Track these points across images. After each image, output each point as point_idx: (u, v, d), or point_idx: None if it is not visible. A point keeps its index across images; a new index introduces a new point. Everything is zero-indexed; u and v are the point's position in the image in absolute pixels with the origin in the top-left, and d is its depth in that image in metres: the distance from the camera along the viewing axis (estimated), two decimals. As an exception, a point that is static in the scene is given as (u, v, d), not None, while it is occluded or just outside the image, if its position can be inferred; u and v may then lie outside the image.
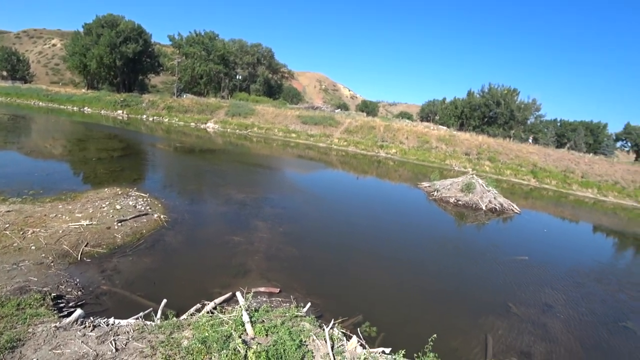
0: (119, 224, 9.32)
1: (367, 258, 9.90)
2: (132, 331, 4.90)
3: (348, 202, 16.33)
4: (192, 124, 43.72)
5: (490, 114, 57.39)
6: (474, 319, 7.48)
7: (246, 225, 10.86)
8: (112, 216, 9.74)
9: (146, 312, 5.77)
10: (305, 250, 9.68)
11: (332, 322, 5.47)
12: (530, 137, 53.35)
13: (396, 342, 5.75)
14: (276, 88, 77.18)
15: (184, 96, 56.40)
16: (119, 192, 12.16)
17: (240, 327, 4.88)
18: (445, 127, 51.79)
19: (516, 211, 19.23)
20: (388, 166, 32.21)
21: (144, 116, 46.51)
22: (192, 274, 7.64)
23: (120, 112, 47.68)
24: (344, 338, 5.22)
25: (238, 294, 6.18)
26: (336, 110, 59.34)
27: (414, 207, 18.09)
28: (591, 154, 45.75)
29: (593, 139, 63.29)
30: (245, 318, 5.01)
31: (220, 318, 5.15)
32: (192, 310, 5.97)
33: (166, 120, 45.23)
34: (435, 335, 5.59)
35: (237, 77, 69.75)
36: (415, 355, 5.28)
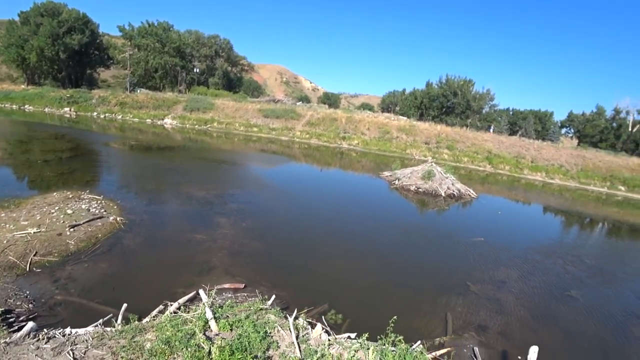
0: (72, 230, 8.83)
1: (332, 249, 10.12)
2: (91, 339, 4.74)
3: (312, 195, 16.51)
4: (147, 120, 41.71)
5: (448, 104, 59.91)
6: (435, 300, 7.94)
7: (208, 223, 10.68)
8: (63, 222, 9.20)
9: (106, 318, 5.59)
10: (269, 244, 9.71)
11: (294, 312, 5.63)
12: (492, 126, 56.29)
13: (362, 327, 5.97)
14: (236, 81, 75.37)
15: (138, 91, 53.51)
16: (70, 196, 11.46)
17: (204, 324, 4.89)
18: (405, 118, 53.34)
19: (473, 196, 20.40)
20: (351, 157, 32.76)
21: (95, 113, 43.62)
22: (154, 275, 7.45)
23: (67, 109, 44.29)
24: (309, 327, 5.38)
25: (201, 291, 6.14)
26: (298, 103, 59.14)
27: (377, 197, 18.62)
28: (540, 140, 49.30)
29: (541, 126, 68.12)
30: (209, 315, 5.02)
31: (183, 317, 5.12)
32: (154, 312, 5.86)
33: (119, 117, 42.75)
34: (395, 317, 5.92)
35: (195, 70, 67.31)
36: (378, 337, 5.57)
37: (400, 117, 54.38)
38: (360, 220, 13.42)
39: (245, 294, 6.87)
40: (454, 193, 19.85)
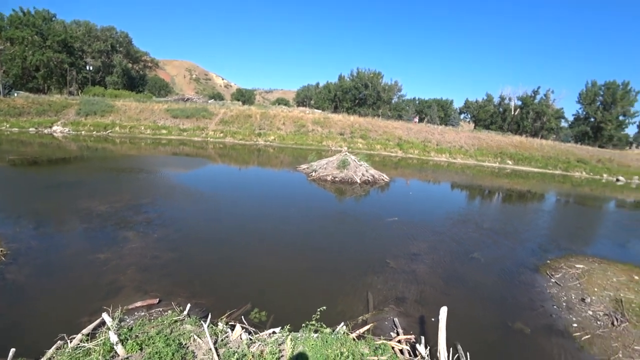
0: None
1: (253, 247, 9.94)
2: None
3: (230, 195, 15.93)
4: (31, 129, 35.67)
5: (360, 95, 63.14)
6: (356, 281, 8.32)
7: (113, 239, 9.58)
8: None
9: (-13, 372, 4.68)
10: (185, 252, 9.11)
11: (209, 317, 5.40)
12: (416, 118, 60.64)
13: (287, 320, 6.02)
14: (139, 79, 68.88)
15: (15, 94, 45.20)
16: None
17: (110, 350, 4.42)
18: (320, 111, 54.83)
19: (386, 180, 21.91)
20: (268, 153, 32.58)
21: (-45, 124, 35.89)
22: (51, 309, 6.37)
23: None
24: (229, 329, 5.23)
25: (104, 315, 5.48)
26: (210, 101, 56.63)
27: (296, 190, 18.79)
28: (443, 126, 55.23)
29: (444, 113, 76.23)
30: (114, 339, 4.54)
31: (85, 348, 4.55)
32: (51, 350, 5.06)
33: (-9, 127, 35.86)
34: (321, 306, 6.12)
35: (88, 68, 59.51)
36: (302, 325, 5.68)
37: (316, 110, 55.75)
38: (280, 215, 13.41)
39: (161, 309, 6.35)
40: (369, 179, 21.10)
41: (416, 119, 59.02)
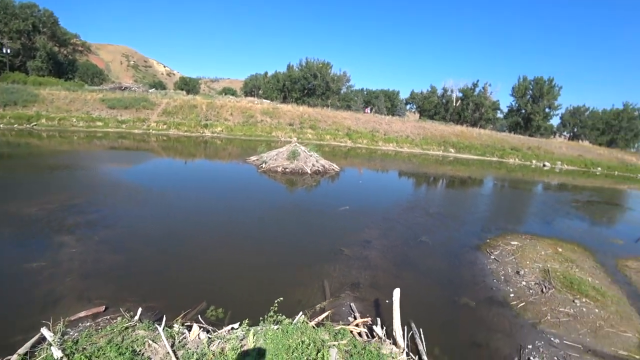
0: None
1: (204, 242, 9.62)
2: None
3: (177, 190, 15.10)
4: None
5: (309, 86, 63.09)
6: (312, 270, 8.42)
7: (47, 245, 8.63)
8: None
9: None
10: (131, 253, 8.53)
11: (164, 320, 5.17)
12: (368, 109, 61.71)
13: (245, 315, 5.93)
14: (67, 65, 62.15)
15: None
16: None
17: (53, 367, 4.04)
18: (269, 101, 54.02)
19: (336, 169, 22.32)
20: (216, 145, 31.53)
21: None
22: None
23: None
24: (186, 330, 5.05)
25: (44, 330, 4.94)
26: (151, 90, 53.01)
27: (246, 182, 18.42)
28: (390, 116, 57.33)
29: (390, 103, 78.83)
30: (57, 354, 4.15)
31: (22, 368, 4.11)
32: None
33: None
34: (280, 298, 6.15)
35: (4, 50, 52.39)
36: (261, 319, 5.66)
37: (264, 100, 54.88)
38: (230, 208, 13.11)
39: (108, 317, 5.90)
40: (319, 169, 21.34)
41: (367, 110, 60.51)
